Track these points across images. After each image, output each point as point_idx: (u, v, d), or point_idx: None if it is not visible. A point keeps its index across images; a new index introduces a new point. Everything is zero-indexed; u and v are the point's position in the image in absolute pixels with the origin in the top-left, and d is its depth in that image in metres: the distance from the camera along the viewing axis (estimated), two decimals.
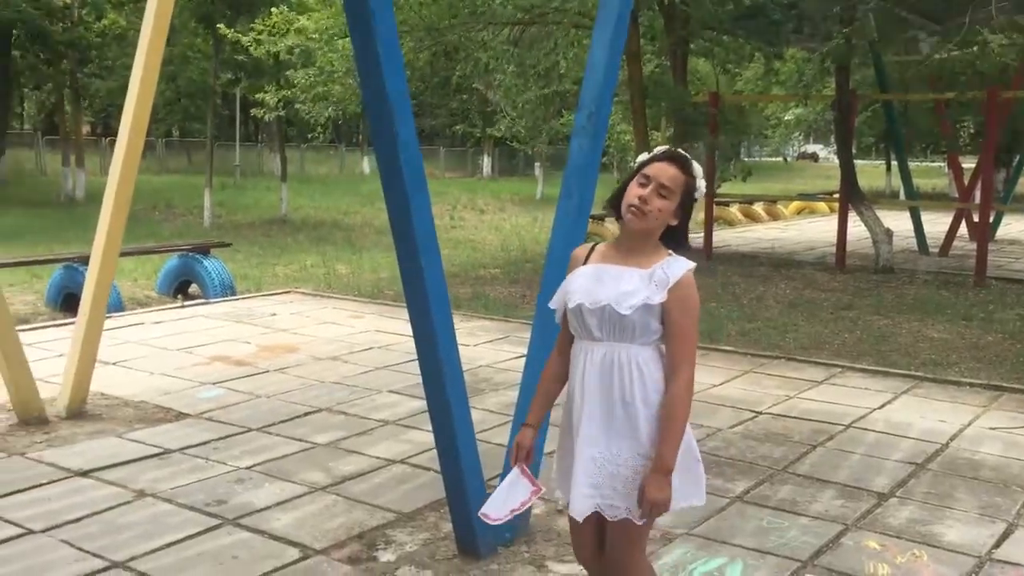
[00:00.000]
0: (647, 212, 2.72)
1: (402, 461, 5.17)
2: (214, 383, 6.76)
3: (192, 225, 19.24)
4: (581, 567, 3.14)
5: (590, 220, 18.42)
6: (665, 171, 2.74)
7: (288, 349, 7.88)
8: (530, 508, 3.08)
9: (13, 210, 19.61)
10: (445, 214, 21.72)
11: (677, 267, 2.75)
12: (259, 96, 18.16)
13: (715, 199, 15.58)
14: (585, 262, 2.87)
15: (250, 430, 5.69)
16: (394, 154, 3.66)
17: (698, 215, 16.87)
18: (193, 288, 11.07)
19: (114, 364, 7.17)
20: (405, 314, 4.24)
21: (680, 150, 2.85)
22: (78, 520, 4.32)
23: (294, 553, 4.02)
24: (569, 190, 4.16)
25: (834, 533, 4.29)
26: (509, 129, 22.44)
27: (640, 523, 2.78)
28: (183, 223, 19.63)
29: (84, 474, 4.92)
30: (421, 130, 37.37)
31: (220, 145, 29.30)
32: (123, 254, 8.52)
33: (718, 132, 14.48)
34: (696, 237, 15.59)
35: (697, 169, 2.82)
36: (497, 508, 2.91)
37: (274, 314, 9.39)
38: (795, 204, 25.11)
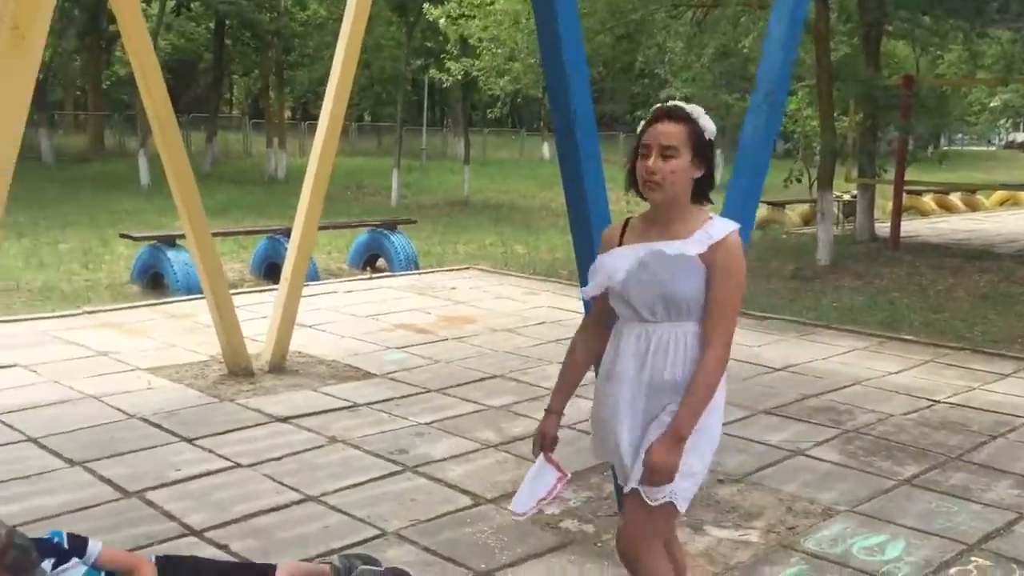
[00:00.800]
0: (662, 181, 2.53)
1: (569, 426, 5.35)
2: (398, 348, 7.23)
3: (380, 204, 20.22)
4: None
5: (768, 207, 18.11)
6: (660, 131, 2.54)
7: (466, 320, 8.29)
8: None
9: (223, 187, 21.23)
10: (622, 199, 21.73)
11: (721, 227, 2.56)
12: (444, 61, 18.70)
13: (904, 187, 14.91)
14: (621, 240, 2.69)
15: (429, 391, 6.09)
16: (570, 128, 3.86)
17: (886, 204, 16.21)
18: (380, 262, 11.74)
19: (310, 327, 7.78)
20: (579, 292, 4.45)
21: (673, 103, 2.63)
22: (279, 459, 4.81)
23: (466, 500, 4.33)
24: (741, 170, 4.12)
25: (1007, 520, 4.18)
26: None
27: (652, 502, 2.58)
28: (372, 202, 20.66)
29: (284, 420, 5.44)
30: (601, 115, 37.48)
31: (408, 129, 30.50)
32: (320, 228, 9.20)
33: (911, 116, 13.85)
34: (882, 226, 14.99)
35: (694, 110, 2.58)
36: (524, 502, 2.78)
37: (454, 288, 9.86)
38: (997, 195, 23.54)
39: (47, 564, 2.94)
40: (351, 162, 29.55)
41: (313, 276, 10.12)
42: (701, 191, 2.62)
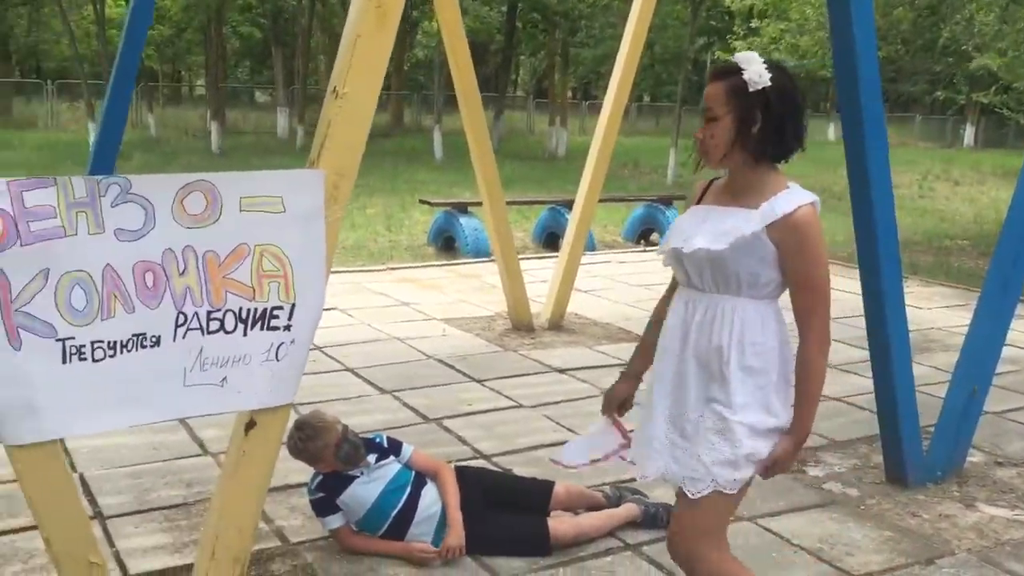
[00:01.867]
0: (706, 148, 2.33)
1: (838, 399, 5.42)
2: None
3: (656, 183, 20.41)
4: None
5: None
6: (705, 94, 2.34)
7: None
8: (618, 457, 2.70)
9: (507, 163, 22.32)
10: (914, 183, 20.55)
11: (788, 200, 2.29)
12: (731, 41, 18.56)
13: None
14: (699, 200, 2.50)
15: None
16: (856, 104, 3.93)
17: None
18: (654, 236, 12.02)
19: (586, 292, 8.23)
20: (856, 274, 4.50)
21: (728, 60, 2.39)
22: (556, 403, 5.26)
23: None
24: None
25: None
26: (999, 95, 20.44)
27: (692, 494, 2.39)
28: (648, 180, 20.91)
29: (561, 371, 5.90)
30: (898, 96, 35.21)
31: (687, 110, 30.39)
32: (599, 201, 9.63)
33: None
34: None
35: (744, 60, 2.28)
36: (574, 454, 2.71)
37: None
38: None
39: (371, 458, 3.53)
40: (629, 141, 29.92)
41: (590, 246, 10.58)
42: (764, 151, 2.30)
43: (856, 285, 8.25)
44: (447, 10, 6.31)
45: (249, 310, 2.74)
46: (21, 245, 2.41)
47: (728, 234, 2.29)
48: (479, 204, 9.68)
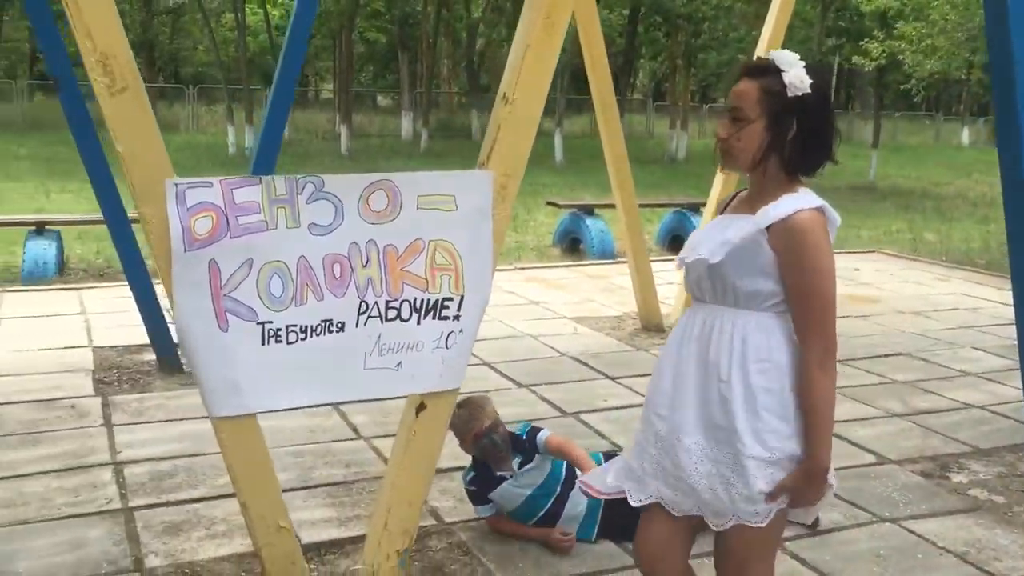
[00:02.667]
0: (728, 148, 2.18)
1: (981, 407, 5.34)
2: None
3: None
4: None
5: None
6: (734, 91, 2.17)
7: (870, 300, 8.26)
8: None
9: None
10: None
11: (788, 204, 2.10)
12: (862, 44, 18.11)
13: None
14: (723, 210, 2.36)
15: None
16: (1011, 109, 3.90)
17: None
18: None
19: None
20: (997, 282, 4.45)
21: (763, 56, 2.21)
22: None
23: (871, 458, 4.56)
24: None
25: None
26: None
27: (761, 523, 2.19)
28: None
29: None
30: None
31: None
32: None
33: None
34: None
35: (783, 60, 2.11)
36: (602, 482, 2.48)
37: (857, 269, 9.77)
38: None
39: (516, 461, 3.67)
40: None
41: None
42: (796, 162, 2.15)
43: (995, 293, 8.11)
44: (585, 15, 6.47)
45: (423, 300, 2.96)
46: (230, 237, 2.69)
47: (727, 243, 2.16)
48: (606, 206, 9.85)
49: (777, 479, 2.16)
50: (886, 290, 8.74)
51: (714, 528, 2.26)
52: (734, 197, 2.36)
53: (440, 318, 3.00)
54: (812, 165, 2.19)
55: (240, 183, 2.71)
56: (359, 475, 4.21)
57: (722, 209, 2.35)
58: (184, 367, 5.61)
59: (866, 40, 18.35)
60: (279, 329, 2.79)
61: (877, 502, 4.03)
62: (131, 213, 5.78)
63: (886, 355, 6.46)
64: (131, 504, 3.85)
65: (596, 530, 3.65)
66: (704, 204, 8.58)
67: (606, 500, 3.19)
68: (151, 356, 5.79)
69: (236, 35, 25.66)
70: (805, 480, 2.16)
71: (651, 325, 7.05)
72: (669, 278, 8.28)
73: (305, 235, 2.79)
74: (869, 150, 21.66)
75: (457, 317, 3.01)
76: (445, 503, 3.95)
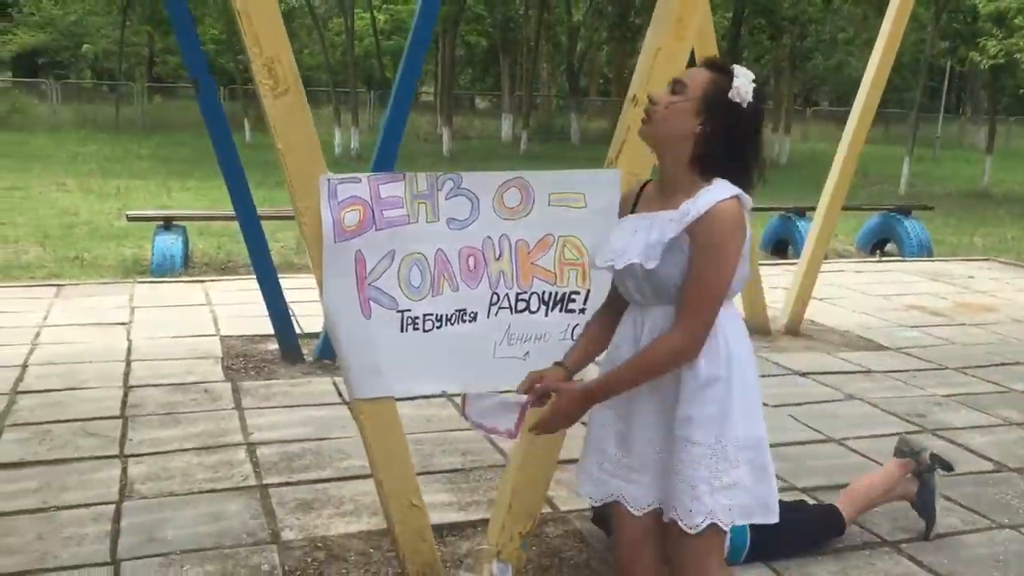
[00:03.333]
0: (654, 112, 2.21)
1: None
2: (910, 326, 7.34)
3: (886, 193, 19.61)
4: None
5: None
6: (687, 70, 2.27)
7: (986, 308, 8.06)
8: None
9: None
10: None
11: (709, 196, 2.15)
12: (979, 42, 17.56)
13: None
14: (634, 207, 2.38)
15: (946, 368, 6.18)
16: None
17: None
18: (890, 246, 11.65)
19: (821, 300, 8.15)
20: None
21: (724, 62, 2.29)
22: (799, 404, 5.35)
23: (988, 465, 4.50)
24: None
25: None
26: None
27: (690, 529, 2.23)
28: (877, 190, 20.10)
29: (802, 375, 5.96)
30: None
31: (923, 117, 28.91)
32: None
33: None
34: None
35: (741, 70, 2.19)
36: (477, 412, 2.44)
37: (971, 277, 9.53)
38: None
39: None
40: None
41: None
42: (708, 162, 2.20)
43: None
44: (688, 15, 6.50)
45: (551, 293, 3.10)
46: (376, 230, 2.87)
47: (658, 245, 2.18)
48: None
49: (720, 468, 2.21)
50: (1002, 298, 8.50)
51: (687, 530, 2.26)
52: (639, 193, 2.40)
53: (567, 311, 3.13)
54: (734, 173, 2.21)
55: (386, 179, 2.89)
56: (476, 463, 4.36)
57: (632, 207, 2.39)
58: (305, 357, 5.88)
59: (984, 38, 17.77)
60: (416, 317, 2.97)
61: (996, 508, 3.99)
62: (260, 210, 6.10)
63: (1003, 364, 6.31)
64: (265, 482, 4.09)
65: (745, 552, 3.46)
66: (810, 208, 8.50)
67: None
68: (274, 346, 6.08)
69: (343, 39, 26.34)
70: (579, 400, 2.28)
71: (758, 329, 7.00)
72: (773, 282, 8.23)
73: (443, 229, 2.96)
74: (983, 155, 20.96)
75: (583, 311, 3.13)
76: (560, 493, 4.07)
